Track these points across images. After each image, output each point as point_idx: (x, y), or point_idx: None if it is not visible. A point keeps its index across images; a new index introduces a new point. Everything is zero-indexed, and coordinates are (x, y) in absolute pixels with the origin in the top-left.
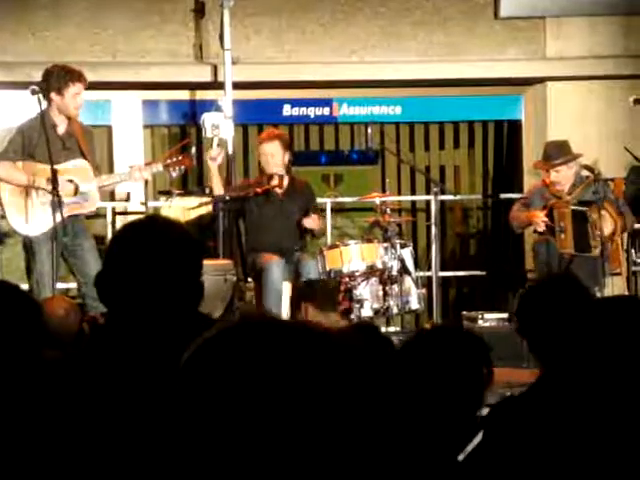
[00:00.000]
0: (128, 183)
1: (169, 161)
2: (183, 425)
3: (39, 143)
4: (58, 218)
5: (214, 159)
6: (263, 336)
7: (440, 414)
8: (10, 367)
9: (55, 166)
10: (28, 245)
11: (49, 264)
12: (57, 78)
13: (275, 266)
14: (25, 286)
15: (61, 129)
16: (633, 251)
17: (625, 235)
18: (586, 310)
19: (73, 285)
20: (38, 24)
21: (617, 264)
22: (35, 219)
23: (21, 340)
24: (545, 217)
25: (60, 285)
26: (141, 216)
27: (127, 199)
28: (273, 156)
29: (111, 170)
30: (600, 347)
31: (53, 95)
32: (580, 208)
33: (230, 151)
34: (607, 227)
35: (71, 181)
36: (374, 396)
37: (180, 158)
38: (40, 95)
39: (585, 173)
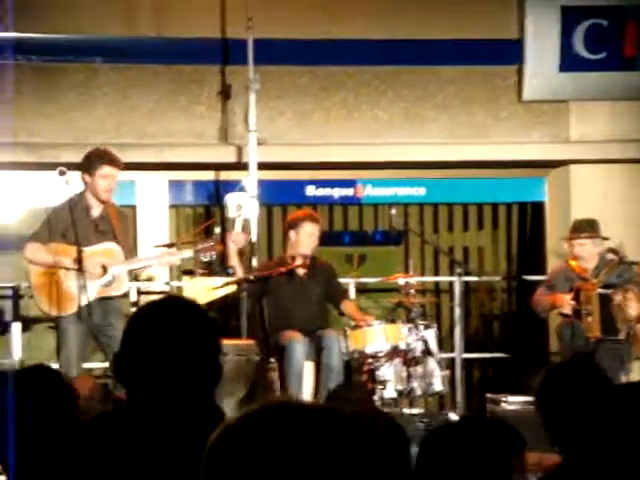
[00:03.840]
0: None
1: (200, 246)
2: None
3: (70, 225)
4: (85, 300)
5: (235, 242)
6: (285, 422)
7: None
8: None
9: (86, 248)
10: (57, 326)
11: (76, 344)
12: (90, 160)
13: (297, 344)
14: (55, 365)
15: (95, 212)
16: None
17: None
18: (606, 395)
19: (98, 365)
20: (66, 105)
21: None
22: (63, 300)
23: (59, 421)
24: (572, 300)
25: (86, 365)
26: (157, 298)
27: (149, 279)
28: (312, 236)
29: (135, 250)
30: (620, 434)
31: (86, 177)
32: (606, 291)
33: (255, 231)
34: (633, 309)
35: (100, 263)
36: None
37: (212, 244)
38: (67, 177)
39: (610, 256)
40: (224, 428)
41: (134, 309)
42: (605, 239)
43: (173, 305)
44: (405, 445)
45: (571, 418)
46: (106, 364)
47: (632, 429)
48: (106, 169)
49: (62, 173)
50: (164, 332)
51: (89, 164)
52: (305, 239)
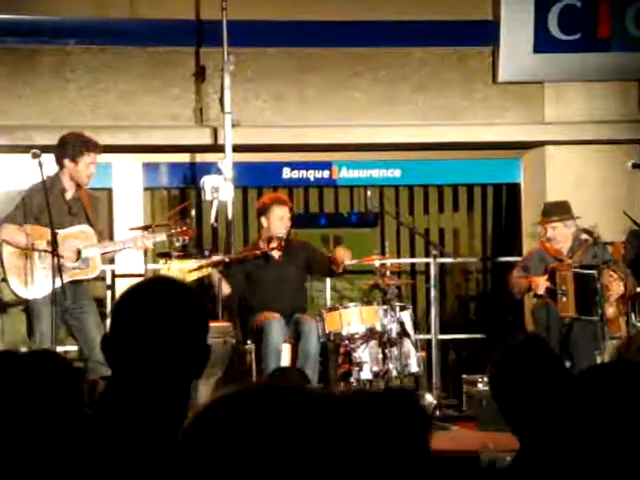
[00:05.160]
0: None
1: (172, 231)
2: None
3: (44, 207)
4: (58, 282)
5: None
6: (262, 404)
7: None
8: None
9: (59, 231)
10: (29, 308)
11: (49, 327)
12: (73, 146)
13: (275, 324)
14: (25, 349)
15: (69, 194)
16: (633, 315)
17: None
18: (558, 377)
19: (71, 347)
20: (40, 87)
21: (617, 328)
22: (36, 283)
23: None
24: (547, 281)
25: (59, 348)
26: (144, 278)
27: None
28: (283, 219)
29: (111, 232)
30: (575, 418)
31: (67, 162)
32: (582, 271)
33: (230, 213)
34: (620, 287)
35: (74, 246)
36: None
37: (184, 229)
38: (41, 159)
39: (584, 237)
40: (199, 412)
41: (109, 292)
42: (577, 218)
43: (162, 284)
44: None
45: (523, 402)
46: (77, 347)
47: (587, 412)
48: (91, 156)
49: (35, 155)
50: (153, 311)
51: (72, 150)
52: (276, 223)
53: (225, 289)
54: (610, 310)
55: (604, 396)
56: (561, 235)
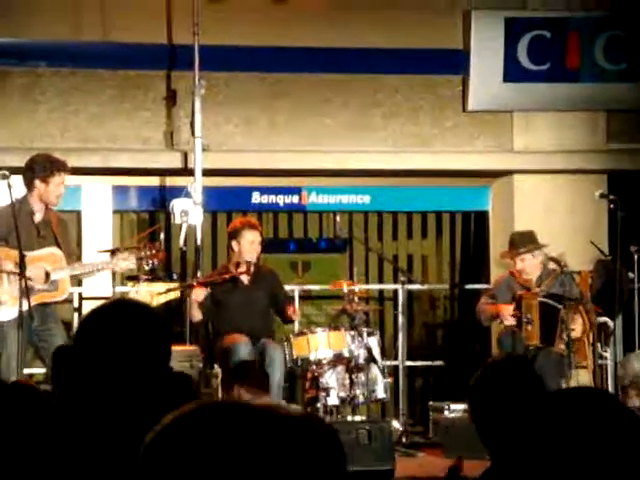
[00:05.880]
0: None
1: (142, 254)
2: None
3: (12, 229)
4: (25, 305)
5: (196, 295)
6: (219, 421)
7: None
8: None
9: (28, 253)
10: None
11: (16, 349)
12: (43, 167)
13: (241, 346)
14: None
15: (38, 217)
16: (599, 345)
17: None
18: (538, 398)
19: (38, 370)
20: (9, 109)
21: (583, 357)
22: (3, 305)
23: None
24: (514, 310)
25: (26, 370)
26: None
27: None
28: (253, 243)
29: (80, 255)
30: (549, 439)
31: (37, 183)
32: (548, 301)
33: (199, 237)
34: (578, 328)
35: (42, 269)
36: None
37: (154, 252)
38: (10, 180)
39: (552, 266)
40: (157, 429)
41: (76, 315)
42: (542, 246)
43: (126, 307)
44: (339, 449)
45: (501, 421)
46: (44, 370)
47: (561, 435)
48: (62, 176)
49: (4, 177)
50: (116, 333)
51: (42, 170)
52: (247, 247)
53: (196, 315)
54: (561, 346)
55: (570, 420)
56: (530, 266)
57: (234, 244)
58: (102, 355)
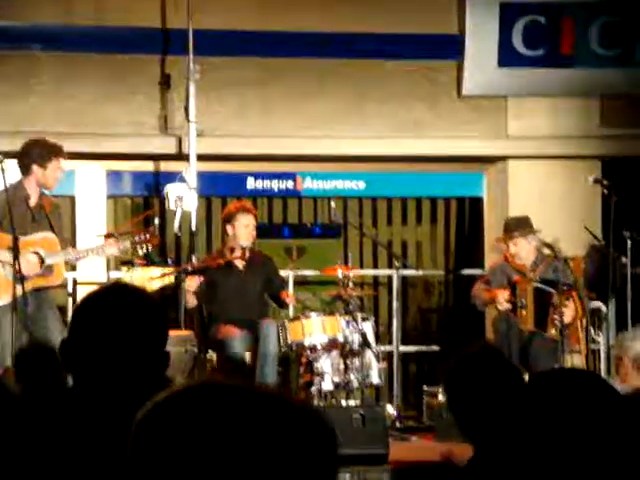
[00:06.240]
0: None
1: (137, 239)
2: None
3: (7, 213)
4: (20, 290)
5: (189, 285)
6: (213, 399)
7: None
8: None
9: (22, 237)
10: None
11: (11, 335)
12: (40, 151)
13: (234, 341)
14: None
15: (32, 201)
16: (592, 329)
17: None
18: (514, 384)
19: None
20: (2, 93)
21: (576, 342)
22: None
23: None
24: (508, 295)
25: None
26: (105, 284)
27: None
28: (248, 227)
29: (73, 240)
30: (530, 426)
31: (35, 167)
32: (542, 286)
33: (194, 223)
34: (569, 313)
35: (37, 253)
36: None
37: (148, 237)
38: (3, 164)
39: (546, 251)
40: (149, 407)
41: (71, 299)
42: (536, 230)
43: (122, 291)
44: (330, 431)
45: (479, 409)
46: None
47: (541, 419)
48: (59, 160)
49: None
50: (112, 318)
51: (40, 155)
52: (242, 231)
53: (191, 301)
54: (552, 331)
55: (553, 402)
56: (523, 250)
57: (229, 228)
58: (99, 339)
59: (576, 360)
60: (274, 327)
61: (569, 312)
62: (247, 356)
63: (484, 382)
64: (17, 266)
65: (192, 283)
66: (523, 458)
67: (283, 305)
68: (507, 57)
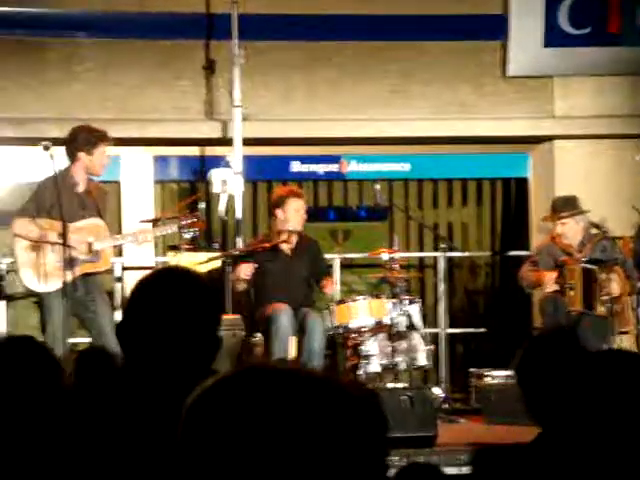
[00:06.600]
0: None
1: (183, 222)
2: (185, 474)
3: (56, 200)
4: (70, 275)
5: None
6: (262, 384)
7: None
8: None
9: (71, 224)
10: (41, 301)
11: (61, 320)
12: (86, 138)
13: (283, 315)
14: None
15: (80, 188)
16: None
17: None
18: (585, 367)
19: (83, 340)
20: (49, 79)
21: (625, 323)
22: (48, 276)
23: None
24: (556, 276)
25: (71, 340)
26: (161, 267)
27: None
28: (299, 211)
29: (119, 225)
30: (599, 406)
31: (82, 155)
32: (590, 266)
33: (239, 207)
34: (615, 289)
35: (85, 239)
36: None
37: (195, 220)
38: (51, 151)
39: (594, 231)
40: (199, 392)
41: (118, 285)
42: (585, 211)
43: (178, 274)
44: (381, 414)
45: (550, 391)
46: (89, 339)
47: (610, 402)
48: (105, 146)
49: (46, 148)
50: (168, 301)
51: (86, 141)
52: (293, 215)
53: (241, 285)
54: (602, 309)
55: (615, 383)
56: (571, 230)
57: (279, 213)
58: (154, 322)
59: (625, 341)
60: (319, 322)
61: (614, 285)
62: (292, 341)
63: (557, 364)
64: (66, 252)
65: (247, 270)
66: (590, 439)
67: (323, 292)
68: (553, 36)
